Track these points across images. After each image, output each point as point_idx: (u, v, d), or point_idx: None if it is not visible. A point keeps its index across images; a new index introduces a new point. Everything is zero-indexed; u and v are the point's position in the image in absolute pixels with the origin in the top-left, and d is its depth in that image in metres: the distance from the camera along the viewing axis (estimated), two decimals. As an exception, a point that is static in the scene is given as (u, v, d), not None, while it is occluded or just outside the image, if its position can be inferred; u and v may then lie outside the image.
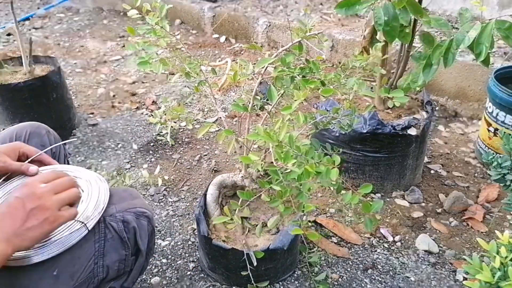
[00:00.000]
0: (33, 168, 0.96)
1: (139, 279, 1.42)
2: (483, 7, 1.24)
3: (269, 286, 1.37)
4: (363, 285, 1.40)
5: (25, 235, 0.75)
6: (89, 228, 0.87)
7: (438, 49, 1.33)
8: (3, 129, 1.12)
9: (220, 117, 1.64)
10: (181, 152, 2.10)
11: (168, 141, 2.09)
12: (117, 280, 1.01)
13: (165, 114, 1.25)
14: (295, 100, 0.98)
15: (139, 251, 1.01)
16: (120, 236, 0.96)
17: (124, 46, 3.29)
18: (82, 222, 0.87)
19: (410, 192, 1.77)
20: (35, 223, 0.76)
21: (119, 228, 0.96)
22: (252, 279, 1.24)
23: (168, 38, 1.20)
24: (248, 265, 1.21)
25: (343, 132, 1.33)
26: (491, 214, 1.67)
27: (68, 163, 1.20)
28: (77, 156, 2.06)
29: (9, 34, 3.46)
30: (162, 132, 2.17)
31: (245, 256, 1.22)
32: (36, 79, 2.02)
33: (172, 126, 1.23)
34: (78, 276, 0.90)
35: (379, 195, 1.78)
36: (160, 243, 1.57)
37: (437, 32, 2.36)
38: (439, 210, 1.70)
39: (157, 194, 1.82)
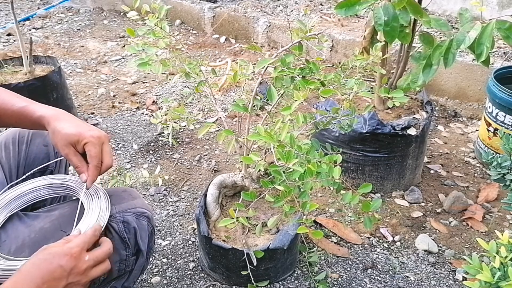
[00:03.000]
0: (83, 177, 0.90)
1: (139, 278, 1.42)
2: (482, 7, 1.25)
3: (269, 285, 1.37)
4: (362, 284, 1.41)
5: None
6: None
7: (438, 49, 1.33)
8: (6, 128, 1.11)
9: (220, 117, 1.64)
10: (181, 152, 2.11)
11: (169, 141, 2.10)
12: (118, 280, 1.01)
13: (166, 115, 1.24)
14: (295, 101, 0.98)
15: (140, 251, 1.01)
16: (120, 236, 0.96)
17: (124, 46, 3.29)
18: None
19: (409, 192, 1.77)
20: None
21: (119, 228, 0.96)
22: (252, 278, 1.25)
23: (168, 39, 1.20)
24: (248, 265, 1.22)
25: (343, 132, 1.34)
26: (490, 214, 1.67)
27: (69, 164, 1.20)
28: (77, 156, 2.06)
29: (9, 34, 3.46)
30: (163, 132, 2.17)
31: (245, 256, 1.22)
32: (37, 79, 2.02)
33: (173, 126, 1.22)
34: None
35: (378, 195, 1.78)
36: (161, 243, 1.58)
37: (436, 32, 2.36)
38: (438, 210, 1.71)
39: (157, 194, 1.83)
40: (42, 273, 0.73)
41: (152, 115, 2.20)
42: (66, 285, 0.75)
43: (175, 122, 1.31)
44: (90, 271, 0.80)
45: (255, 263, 1.21)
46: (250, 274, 1.23)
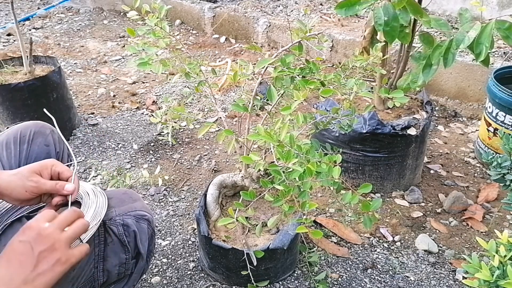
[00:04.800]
0: (69, 186, 0.86)
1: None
2: (482, 7, 1.25)
3: (269, 285, 1.37)
4: (362, 284, 1.41)
5: (36, 281, 0.68)
6: (83, 242, 0.83)
7: (438, 49, 1.33)
8: (7, 127, 1.10)
9: (220, 117, 1.64)
10: (181, 152, 2.11)
11: (169, 141, 2.10)
12: (118, 283, 1.01)
13: (166, 114, 1.24)
14: (295, 101, 0.99)
15: (140, 255, 1.01)
16: (120, 240, 0.96)
17: (124, 46, 3.29)
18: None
19: (409, 192, 1.77)
20: (46, 267, 0.70)
21: (119, 232, 0.95)
22: (252, 278, 1.25)
23: (168, 39, 1.20)
24: (248, 265, 1.22)
25: (343, 132, 1.34)
26: (490, 214, 1.67)
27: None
28: (77, 156, 2.07)
29: (9, 34, 3.46)
30: (163, 131, 2.17)
31: (245, 256, 1.22)
32: (37, 79, 2.02)
33: (173, 126, 1.22)
34: (78, 280, 0.89)
35: (378, 195, 1.78)
36: (161, 243, 1.58)
37: (436, 32, 2.37)
38: (438, 210, 1.71)
39: (157, 194, 1.83)
40: (7, 258, 0.70)
41: (152, 115, 2.20)
42: (39, 255, 0.70)
43: (175, 122, 1.31)
44: (58, 234, 0.73)
45: (255, 263, 1.21)
46: (250, 274, 1.23)
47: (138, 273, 1.04)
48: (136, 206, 1.00)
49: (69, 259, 0.73)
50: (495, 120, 1.84)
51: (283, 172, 0.96)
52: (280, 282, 1.40)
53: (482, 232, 1.60)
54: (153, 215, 1.07)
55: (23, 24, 3.69)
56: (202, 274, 1.45)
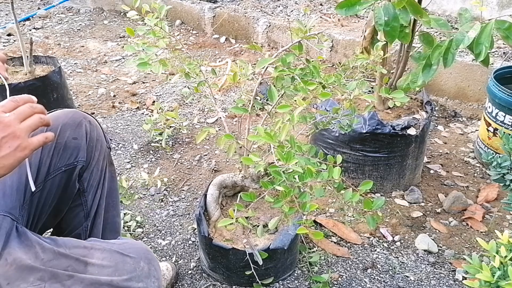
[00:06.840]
0: None
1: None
2: (482, 7, 1.25)
3: (269, 285, 1.37)
4: (362, 284, 1.41)
5: (0, 163, 0.75)
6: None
7: (438, 49, 1.33)
8: None
9: (220, 117, 1.64)
10: (182, 152, 2.11)
11: (168, 144, 2.09)
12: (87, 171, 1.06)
13: (159, 122, 1.25)
14: (297, 107, 0.98)
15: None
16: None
17: (124, 46, 3.29)
18: None
19: (409, 192, 1.77)
20: (8, 151, 0.75)
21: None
22: (257, 278, 1.25)
23: (168, 39, 1.20)
24: (251, 264, 1.22)
25: (343, 132, 1.34)
26: (490, 214, 1.67)
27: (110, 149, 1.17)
28: (77, 156, 2.06)
29: (9, 34, 3.46)
30: (156, 138, 2.15)
31: (246, 256, 1.22)
32: (37, 79, 2.02)
33: (167, 133, 1.22)
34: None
35: (378, 195, 1.78)
36: (161, 243, 1.58)
37: (436, 32, 2.37)
38: (438, 210, 1.71)
39: (157, 194, 1.83)
40: None
41: (152, 115, 2.19)
42: (1, 141, 0.75)
43: (171, 126, 1.31)
44: (17, 123, 0.78)
45: (261, 263, 1.21)
46: (255, 273, 1.23)
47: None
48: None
49: (29, 146, 0.79)
50: (495, 120, 1.84)
51: (283, 172, 0.96)
52: (280, 282, 1.40)
53: (482, 232, 1.60)
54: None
55: (23, 24, 3.69)
56: (203, 274, 1.45)
